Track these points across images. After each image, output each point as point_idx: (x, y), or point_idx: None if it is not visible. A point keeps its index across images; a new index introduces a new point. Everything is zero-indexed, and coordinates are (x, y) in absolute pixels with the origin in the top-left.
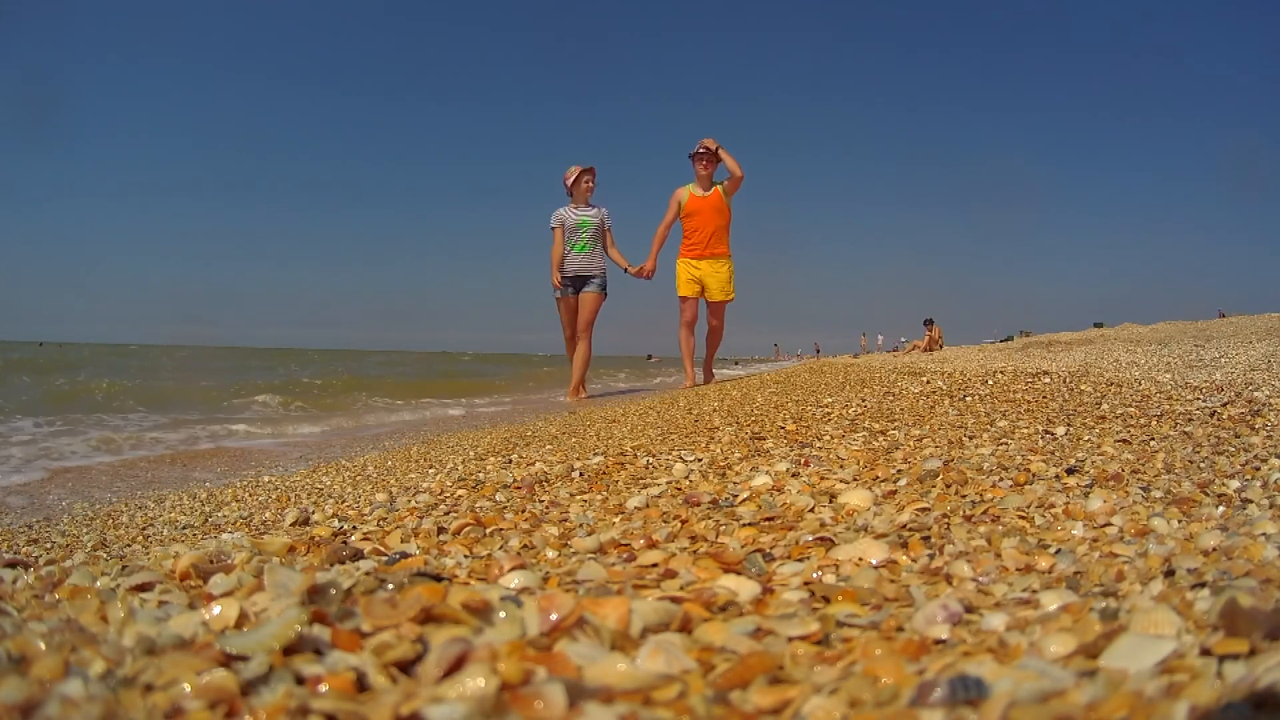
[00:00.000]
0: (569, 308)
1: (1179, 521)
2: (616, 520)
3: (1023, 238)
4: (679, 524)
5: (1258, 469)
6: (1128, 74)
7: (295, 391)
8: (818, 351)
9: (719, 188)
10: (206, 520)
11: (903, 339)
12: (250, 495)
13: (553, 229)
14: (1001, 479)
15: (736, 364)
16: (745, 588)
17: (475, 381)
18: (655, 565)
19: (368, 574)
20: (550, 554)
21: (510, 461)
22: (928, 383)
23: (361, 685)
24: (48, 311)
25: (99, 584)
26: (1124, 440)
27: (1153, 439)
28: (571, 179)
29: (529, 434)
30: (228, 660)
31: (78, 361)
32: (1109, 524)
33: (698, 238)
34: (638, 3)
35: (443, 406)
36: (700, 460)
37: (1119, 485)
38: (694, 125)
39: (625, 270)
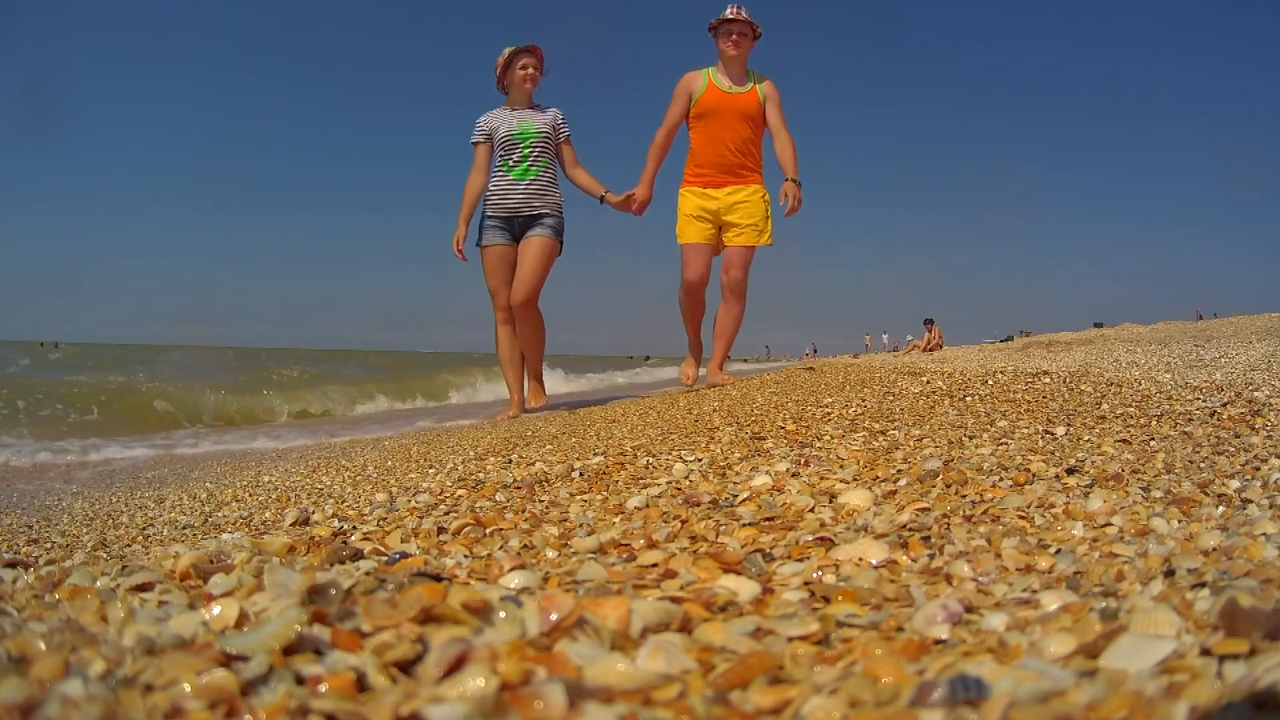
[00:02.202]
0: (500, 260)
1: (1179, 521)
2: (616, 520)
3: (1023, 238)
4: (679, 524)
5: (1258, 469)
6: (1128, 74)
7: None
8: (815, 351)
9: (757, 86)
10: (206, 520)
11: (909, 337)
12: (250, 495)
13: (474, 144)
14: (1001, 479)
15: (745, 361)
16: (745, 588)
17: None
18: (655, 565)
19: (368, 574)
20: (550, 554)
21: (510, 461)
22: (928, 383)
23: (361, 685)
24: (48, 312)
25: (99, 584)
26: (1124, 440)
27: (1153, 439)
28: (502, 64)
29: (529, 434)
30: (228, 660)
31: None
32: (1109, 524)
33: (713, 155)
34: (637, 2)
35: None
36: (700, 460)
37: (1119, 485)
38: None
39: (601, 200)
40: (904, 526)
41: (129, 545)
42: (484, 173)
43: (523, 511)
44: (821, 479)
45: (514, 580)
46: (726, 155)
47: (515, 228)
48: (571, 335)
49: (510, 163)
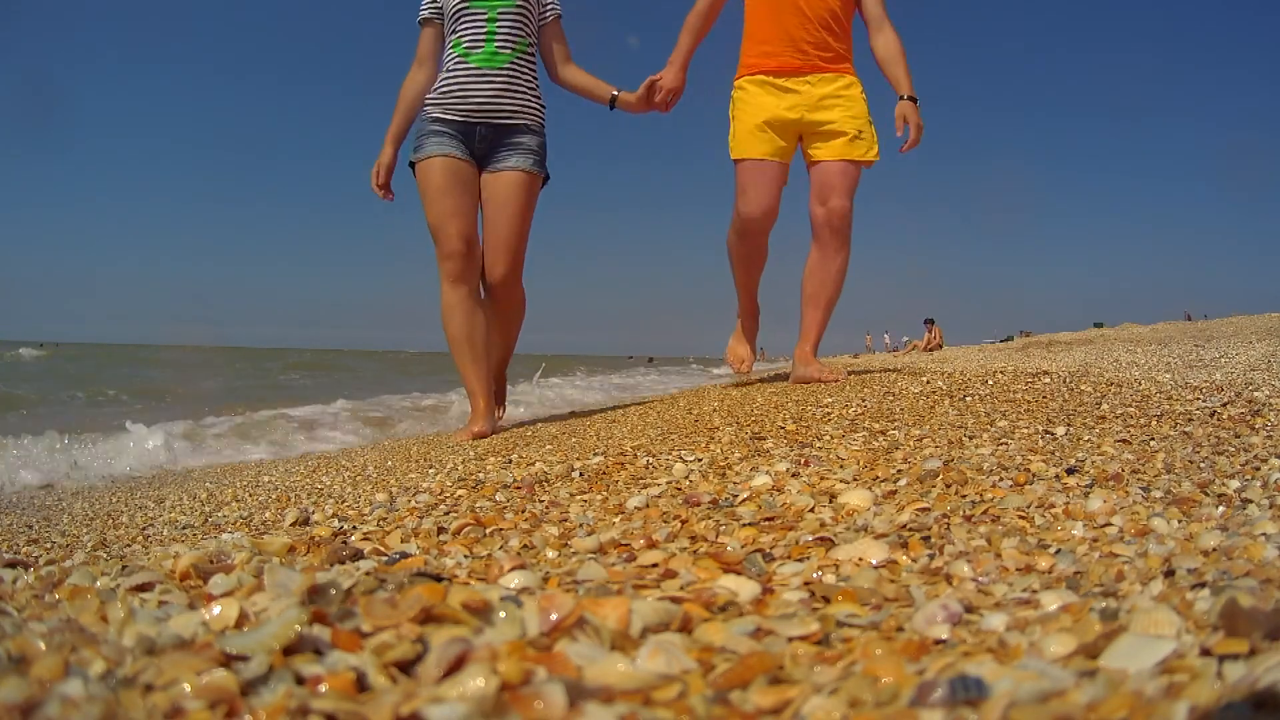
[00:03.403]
0: (451, 176)
1: (1179, 521)
2: (616, 520)
3: (1023, 238)
4: (679, 524)
5: (1258, 469)
6: (1127, 74)
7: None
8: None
9: None
10: (206, 520)
11: (905, 338)
12: (250, 495)
13: (420, 22)
14: (1001, 479)
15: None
16: (745, 588)
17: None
18: (655, 565)
19: (368, 574)
20: (550, 554)
21: (510, 461)
22: (928, 383)
23: (361, 685)
24: (48, 312)
25: (99, 584)
26: (1124, 440)
27: (1153, 439)
28: None
29: (529, 434)
30: (228, 660)
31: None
32: (1109, 524)
33: (784, 30)
34: (641, 2)
35: None
36: (700, 460)
37: (1119, 485)
38: (688, 121)
39: (612, 105)
40: (904, 526)
41: (129, 545)
42: (429, 67)
43: (523, 511)
44: (821, 479)
45: (514, 580)
46: (805, 30)
47: (476, 141)
48: (565, 336)
49: (467, 43)
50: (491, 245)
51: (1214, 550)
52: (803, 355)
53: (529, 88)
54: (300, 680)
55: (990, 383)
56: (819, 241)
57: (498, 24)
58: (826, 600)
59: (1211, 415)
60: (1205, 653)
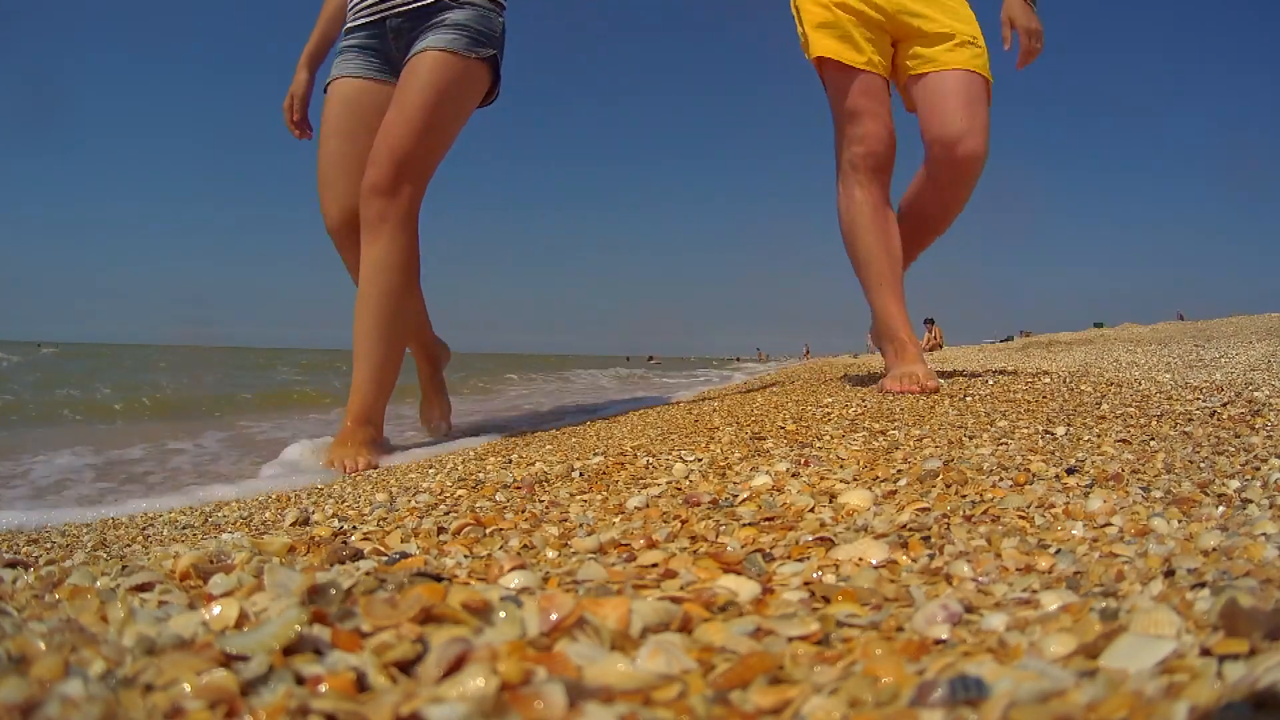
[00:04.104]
0: (353, 112)
1: (1179, 521)
2: (616, 520)
3: (1023, 238)
4: (679, 524)
5: (1258, 469)
6: (1127, 74)
7: None
8: (808, 353)
9: None
10: (206, 520)
11: None
12: (250, 495)
13: None
14: (1001, 479)
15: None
16: (745, 588)
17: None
18: (655, 565)
19: (368, 574)
20: (550, 554)
21: (510, 461)
22: None
23: (361, 685)
24: (48, 312)
25: (99, 584)
26: (1124, 440)
27: (1153, 439)
28: None
29: (529, 434)
30: (228, 660)
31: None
32: (1109, 524)
33: None
34: (644, 3)
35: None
36: (700, 460)
37: (1119, 485)
38: (690, 119)
39: None
40: (904, 526)
41: (129, 545)
42: None
43: (523, 511)
44: (821, 479)
45: (514, 580)
46: None
47: (390, 41)
48: (561, 336)
49: None
50: (378, 136)
51: (1214, 550)
52: (914, 352)
53: None
54: (300, 680)
55: (990, 383)
56: (934, 179)
57: None
58: (826, 600)
59: (1211, 415)
60: (1205, 653)
